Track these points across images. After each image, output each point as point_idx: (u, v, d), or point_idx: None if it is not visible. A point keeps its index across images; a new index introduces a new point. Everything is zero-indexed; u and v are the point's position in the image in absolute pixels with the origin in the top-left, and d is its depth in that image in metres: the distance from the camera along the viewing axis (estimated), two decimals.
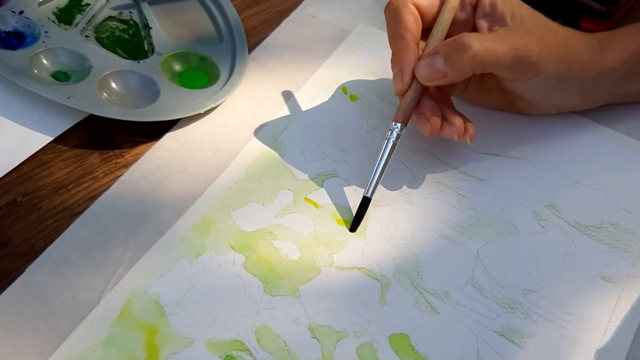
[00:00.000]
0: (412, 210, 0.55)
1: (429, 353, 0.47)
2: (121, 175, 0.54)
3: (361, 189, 0.55)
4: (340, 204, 0.55)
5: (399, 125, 0.53)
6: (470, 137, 0.54)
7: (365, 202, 0.53)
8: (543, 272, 0.52)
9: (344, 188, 0.56)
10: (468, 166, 0.58)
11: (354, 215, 0.54)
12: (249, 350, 0.45)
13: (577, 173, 0.59)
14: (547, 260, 0.53)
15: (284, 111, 0.60)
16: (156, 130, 0.57)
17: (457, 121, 0.53)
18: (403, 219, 0.54)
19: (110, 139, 0.56)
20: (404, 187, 0.56)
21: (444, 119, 0.53)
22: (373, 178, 0.53)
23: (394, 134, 0.53)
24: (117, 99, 0.58)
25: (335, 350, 0.46)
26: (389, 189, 0.56)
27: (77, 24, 0.62)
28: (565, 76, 0.55)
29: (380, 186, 0.54)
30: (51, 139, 0.56)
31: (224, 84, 0.61)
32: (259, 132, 0.59)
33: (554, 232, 0.54)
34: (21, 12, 0.61)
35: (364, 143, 0.59)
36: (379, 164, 0.53)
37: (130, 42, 0.63)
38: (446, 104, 0.55)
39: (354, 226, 0.53)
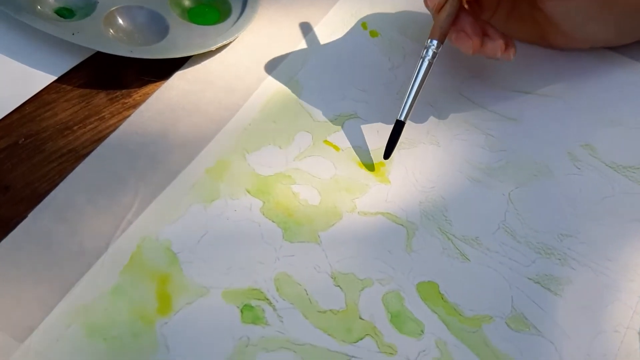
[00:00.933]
0: (439, 152, 0.52)
1: (459, 302, 0.44)
2: (129, 116, 0.51)
3: (384, 129, 0.52)
4: (362, 147, 0.52)
5: (435, 42, 0.50)
6: (513, 53, 0.51)
7: (398, 127, 0.50)
8: (579, 215, 0.49)
9: (366, 129, 0.53)
10: (497, 105, 0.55)
11: (373, 158, 0.51)
12: (268, 299, 0.43)
13: (613, 112, 0.56)
14: (583, 203, 0.50)
15: (300, 48, 0.57)
16: (165, 68, 0.54)
17: (498, 36, 0.50)
18: (429, 161, 0.52)
19: (117, 78, 0.54)
20: (430, 127, 0.54)
21: (485, 34, 0.50)
22: (407, 100, 0.49)
23: (430, 52, 0.50)
24: (124, 35, 0.55)
25: (360, 299, 0.44)
26: (414, 130, 0.53)
27: None
28: (605, 2, 0.51)
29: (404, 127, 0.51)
30: (55, 78, 0.53)
31: (236, 20, 0.58)
32: (274, 70, 0.55)
33: (590, 173, 0.52)
34: None
35: (385, 82, 0.56)
36: (412, 85, 0.49)
37: None
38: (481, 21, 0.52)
39: (387, 153, 0.50)
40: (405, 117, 0.50)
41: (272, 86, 0.54)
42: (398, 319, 0.43)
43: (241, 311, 0.42)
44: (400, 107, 0.50)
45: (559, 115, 0.55)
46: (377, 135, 0.52)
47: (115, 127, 0.51)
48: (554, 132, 0.54)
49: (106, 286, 0.42)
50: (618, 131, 0.54)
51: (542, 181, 0.51)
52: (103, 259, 0.43)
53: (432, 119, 0.54)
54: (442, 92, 0.56)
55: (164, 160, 0.49)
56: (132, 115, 0.51)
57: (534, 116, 0.55)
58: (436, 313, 0.44)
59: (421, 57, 0.50)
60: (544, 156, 0.52)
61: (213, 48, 0.55)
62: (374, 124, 0.53)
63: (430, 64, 0.50)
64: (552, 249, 0.47)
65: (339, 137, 0.52)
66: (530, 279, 0.46)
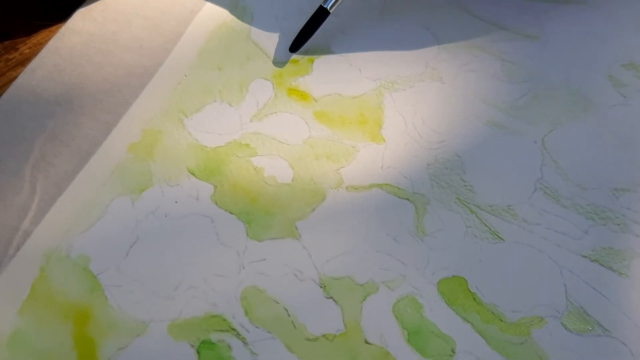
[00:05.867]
0: (444, 91, 0.42)
1: (497, 301, 0.35)
2: (16, 77, 0.43)
3: (369, 66, 0.42)
4: (342, 94, 0.42)
5: None
6: None
7: (319, 15, 0.43)
8: (636, 161, 0.40)
9: (344, 68, 0.43)
10: (511, 19, 0.46)
11: (359, 108, 0.41)
12: (234, 329, 0.34)
13: None
14: (638, 143, 0.40)
15: None
16: (62, 6, 0.47)
17: None
18: (433, 105, 0.42)
19: None
20: (428, 58, 0.44)
21: None
22: None
23: None
24: None
25: (363, 314, 0.34)
26: (407, 63, 0.43)
27: None
28: None
29: (393, 60, 0.42)
30: None
31: None
32: None
33: None
34: None
35: (364, 1, 0.46)
36: None
37: None
38: None
39: (295, 44, 0.43)
40: (333, 5, 0.42)
41: (211, 19, 0.46)
42: (418, 336, 0.34)
43: (198, 351, 0.34)
44: None
45: (590, 27, 0.45)
46: (359, 74, 0.42)
47: None
48: (588, 50, 0.44)
49: (1, 333, 0.34)
50: None
51: (581, 118, 0.41)
52: None
53: (429, 46, 0.45)
54: (436, 8, 0.46)
55: (69, 137, 0.40)
56: (21, 75, 0.43)
57: (560, 31, 0.45)
58: (469, 322, 0.34)
59: None
60: (579, 83, 0.43)
61: None
62: (354, 58, 0.43)
63: None
64: (607, 210, 0.38)
65: (310, 81, 0.43)
66: (585, 256, 0.36)
